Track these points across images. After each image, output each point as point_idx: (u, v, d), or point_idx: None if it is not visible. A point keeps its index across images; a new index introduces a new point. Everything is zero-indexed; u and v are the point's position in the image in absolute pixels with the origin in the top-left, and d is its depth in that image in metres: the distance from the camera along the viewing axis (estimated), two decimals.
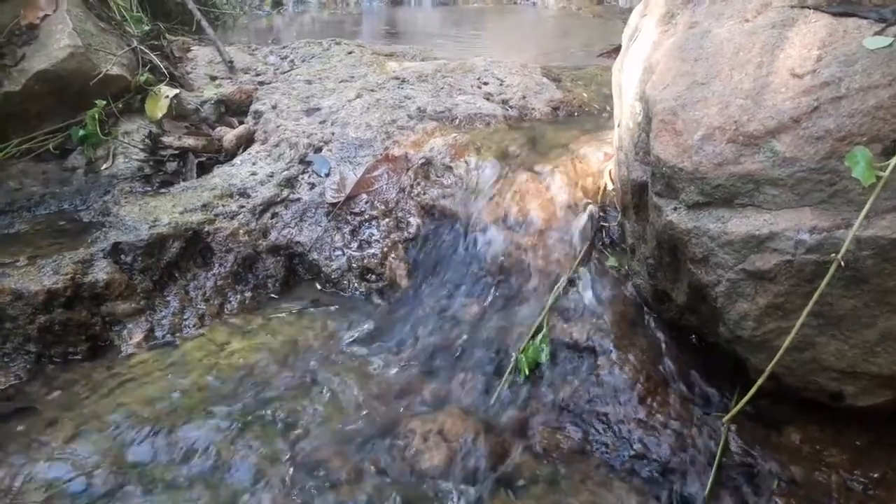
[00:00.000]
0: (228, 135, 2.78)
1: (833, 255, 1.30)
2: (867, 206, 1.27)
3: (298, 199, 2.41)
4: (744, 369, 1.55)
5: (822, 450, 1.50)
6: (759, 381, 1.44)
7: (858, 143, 1.30)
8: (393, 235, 2.30)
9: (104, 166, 2.62)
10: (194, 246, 2.25)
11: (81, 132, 2.65)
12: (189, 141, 2.75)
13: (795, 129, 1.37)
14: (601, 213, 2.13)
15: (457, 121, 2.64)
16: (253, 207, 2.36)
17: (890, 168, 1.25)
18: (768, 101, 1.42)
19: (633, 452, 1.63)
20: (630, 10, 2.09)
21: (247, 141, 2.75)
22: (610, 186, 2.16)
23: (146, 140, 2.69)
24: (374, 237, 2.31)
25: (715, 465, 1.53)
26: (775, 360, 1.40)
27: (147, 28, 3.21)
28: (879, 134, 1.29)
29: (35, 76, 2.61)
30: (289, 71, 3.32)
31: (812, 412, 1.53)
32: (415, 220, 2.30)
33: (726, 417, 1.57)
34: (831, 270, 1.30)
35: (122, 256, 2.16)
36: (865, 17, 1.44)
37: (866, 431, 1.50)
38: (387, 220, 2.33)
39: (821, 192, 1.35)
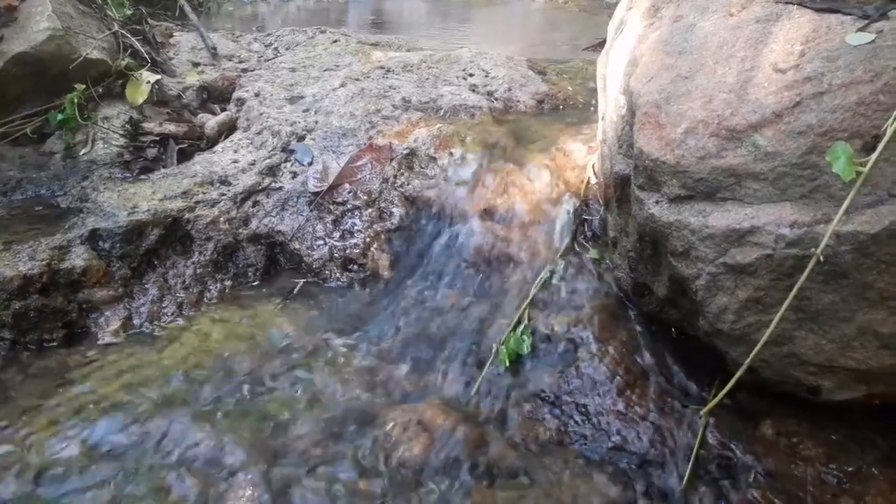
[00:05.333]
0: (210, 122, 2.75)
1: (813, 249, 1.30)
2: (847, 202, 1.28)
3: (280, 188, 2.39)
4: (722, 362, 1.56)
5: (798, 443, 1.51)
6: (738, 374, 1.45)
7: (839, 138, 1.30)
8: (376, 226, 2.29)
9: (83, 151, 2.58)
10: (174, 233, 2.23)
11: (60, 116, 2.60)
12: (170, 127, 2.71)
13: (777, 124, 1.37)
14: (584, 207, 2.13)
15: (441, 112, 2.62)
16: (234, 195, 2.34)
17: (870, 164, 1.26)
18: (751, 96, 1.43)
19: (611, 444, 1.63)
20: (616, 4, 2.08)
21: (229, 128, 2.73)
22: (593, 180, 2.16)
23: (126, 126, 2.66)
24: (356, 227, 2.30)
25: (693, 458, 1.54)
26: (754, 353, 1.41)
27: (129, 12, 3.15)
28: (860, 130, 1.30)
29: (13, 59, 2.56)
30: (273, 59, 3.29)
31: (789, 406, 1.54)
32: (398, 211, 2.29)
33: (704, 410, 1.58)
34: (811, 265, 1.31)
35: (100, 243, 2.13)
36: (849, 14, 1.45)
37: (843, 425, 1.51)
38: (370, 210, 2.32)
39: (802, 187, 1.35)
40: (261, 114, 2.67)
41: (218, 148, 2.60)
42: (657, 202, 1.53)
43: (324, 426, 1.73)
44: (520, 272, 2.04)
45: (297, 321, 2.09)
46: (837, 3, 1.49)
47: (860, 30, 1.39)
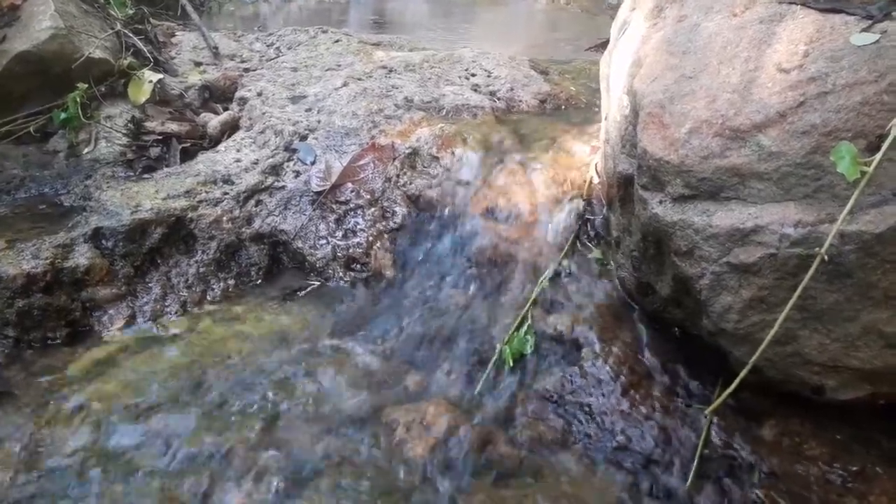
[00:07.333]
0: (213, 121, 2.75)
1: (817, 249, 1.31)
2: (851, 201, 1.28)
3: (283, 187, 2.39)
4: (726, 362, 1.56)
5: (802, 442, 1.51)
6: (742, 374, 1.45)
7: (843, 138, 1.31)
8: (378, 225, 2.29)
9: (86, 150, 2.58)
10: (177, 232, 2.23)
11: (63, 115, 2.60)
12: (172, 126, 2.71)
13: (781, 124, 1.38)
14: (587, 206, 2.13)
15: (444, 111, 2.63)
16: (237, 194, 2.34)
17: (874, 163, 1.26)
18: (755, 96, 1.43)
19: (615, 443, 1.63)
20: (618, 5, 2.09)
21: (231, 127, 2.73)
22: (596, 179, 2.17)
23: (129, 125, 2.66)
24: (359, 226, 2.30)
25: (697, 457, 1.54)
26: (758, 352, 1.41)
27: (131, 12, 3.16)
28: (864, 129, 1.30)
29: (16, 57, 2.56)
30: (275, 58, 3.29)
31: (793, 405, 1.54)
32: (401, 210, 2.29)
33: (708, 410, 1.58)
34: (815, 264, 1.31)
35: (104, 241, 2.13)
36: (852, 14, 1.45)
37: (847, 425, 1.51)
38: (372, 209, 2.32)
39: (805, 187, 1.35)
40: (263, 113, 2.67)
41: (221, 147, 2.60)
42: (661, 202, 1.54)
43: (326, 425, 1.73)
44: (523, 272, 2.04)
45: (300, 320, 2.09)
46: (841, 3, 1.49)
47: (864, 30, 1.40)
